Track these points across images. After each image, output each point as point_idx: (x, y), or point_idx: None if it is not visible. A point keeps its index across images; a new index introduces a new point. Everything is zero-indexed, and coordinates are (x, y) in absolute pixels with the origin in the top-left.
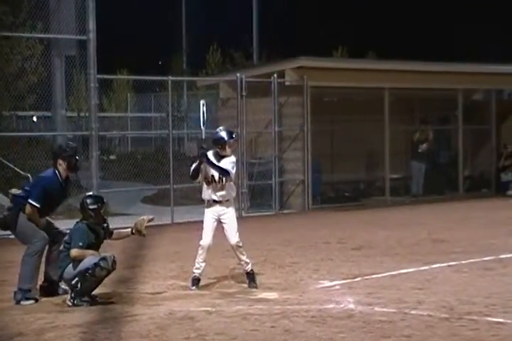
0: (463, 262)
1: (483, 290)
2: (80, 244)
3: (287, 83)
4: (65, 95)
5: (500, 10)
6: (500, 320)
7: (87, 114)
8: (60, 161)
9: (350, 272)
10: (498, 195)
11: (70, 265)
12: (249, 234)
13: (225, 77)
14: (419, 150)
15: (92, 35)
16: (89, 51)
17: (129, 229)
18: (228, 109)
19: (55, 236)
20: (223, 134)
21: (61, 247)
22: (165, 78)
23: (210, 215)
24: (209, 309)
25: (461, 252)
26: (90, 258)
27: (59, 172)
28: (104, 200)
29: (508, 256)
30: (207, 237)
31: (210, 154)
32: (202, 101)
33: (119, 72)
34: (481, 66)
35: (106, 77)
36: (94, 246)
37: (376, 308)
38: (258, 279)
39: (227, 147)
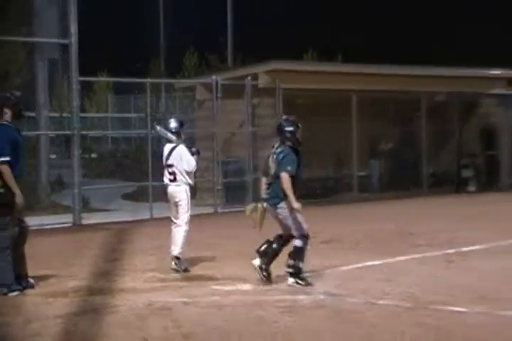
0: (427, 255)
1: (446, 281)
2: (289, 168)
3: (260, 85)
4: (48, 96)
5: (465, 15)
6: (463, 309)
7: (69, 115)
8: (6, 110)
9: (320, 264)
10: (459, 191)
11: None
12: (224, 228)
13: (201, 79)
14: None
15: (73, 39)
16: (71, 54)
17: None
18: (204, 110)
19: (21, 231)
20: (176, 125)
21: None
22: (144, 80)
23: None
24: (186, 300)
25: (425, 245)
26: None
27: (7, 121)
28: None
29: (469, 249)
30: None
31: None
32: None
33: (99, 74)
34: (443, 69)
35: (87, 79)
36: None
37: (345, 299)
38: (234, 271)
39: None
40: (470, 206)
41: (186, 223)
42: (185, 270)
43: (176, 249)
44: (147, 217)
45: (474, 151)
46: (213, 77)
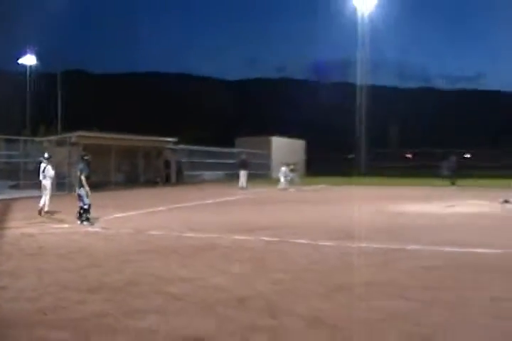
0: (148, 210)
1: (153, 221)
2: (84, 172)
3: (73, 141)
4: None
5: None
6: (177, 233)
7: None
8: None
9: (99, 216)
10: (155, 186)
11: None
12: (62, 201)
13: (47, 138)
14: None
15: None
16: None
17: None
18: (49, 152)
19: None
20: (48, 156)
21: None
22: (19, 137)
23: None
24: (41, 232)
25: (145, 207)
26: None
27: None
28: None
29: (158, 209)
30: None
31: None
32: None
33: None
34: (149, 137)
35: None
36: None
37: (108, 230)
38: (63, 218)
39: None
40: (160, 192)
41: (50, 195)
42: (47, 212)
43: (42, 204)
44: (21, 196)
45: (160, 170)
46: (51, 137)
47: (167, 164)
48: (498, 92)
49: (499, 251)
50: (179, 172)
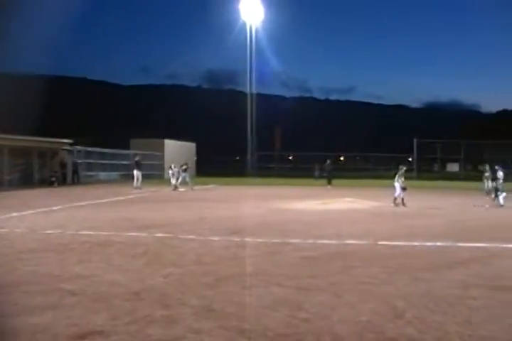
0: (74, 205)
1: (83, 218)
2: None
3: None
4: None
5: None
6: (87, 232)
7: None
8: None
9: (6, 214)
10: (51, 186)
11: None
12: None
13: None
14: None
15: None
16: None
17: None
18: None
19: None
20: None
21: None
22: None
23: None
24: None
25: (67, 201)
26: None
27: None
28: None
29: (85, 203)
30: None
31: None
32: None
33: None
34: (37, 138)
35: None
36: None
37: (19, 230)
38: None
39: None
40: (56, 191)
41: None
42: None
43: None
44: None
45: (56, 170)
46: None
47: (63, 165)
48: (368, 103)
49: (365, 242)
50: (75, 173)
